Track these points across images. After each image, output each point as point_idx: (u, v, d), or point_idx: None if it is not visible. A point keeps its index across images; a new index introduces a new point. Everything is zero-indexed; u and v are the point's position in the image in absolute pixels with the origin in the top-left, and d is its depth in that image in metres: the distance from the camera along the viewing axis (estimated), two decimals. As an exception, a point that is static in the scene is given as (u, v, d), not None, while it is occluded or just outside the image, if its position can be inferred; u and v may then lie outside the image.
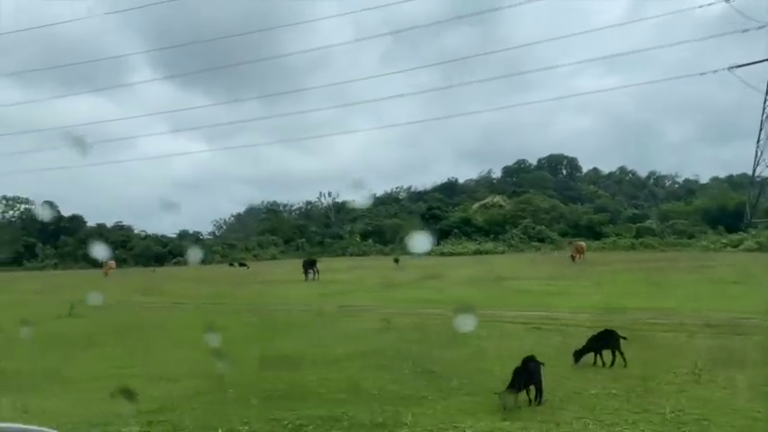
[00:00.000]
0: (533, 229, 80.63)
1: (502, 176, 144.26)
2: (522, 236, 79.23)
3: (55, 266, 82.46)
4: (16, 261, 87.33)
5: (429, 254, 76.62)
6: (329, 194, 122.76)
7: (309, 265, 30.87)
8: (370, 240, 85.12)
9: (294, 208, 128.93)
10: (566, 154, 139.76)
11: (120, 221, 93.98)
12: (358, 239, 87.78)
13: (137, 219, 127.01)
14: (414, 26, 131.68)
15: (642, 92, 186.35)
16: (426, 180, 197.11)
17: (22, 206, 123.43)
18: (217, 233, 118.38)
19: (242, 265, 47.69)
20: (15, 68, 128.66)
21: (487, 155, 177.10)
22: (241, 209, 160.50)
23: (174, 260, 79.20)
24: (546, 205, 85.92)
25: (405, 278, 28.45)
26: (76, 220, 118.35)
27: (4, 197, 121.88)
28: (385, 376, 9.00)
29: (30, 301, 24.07)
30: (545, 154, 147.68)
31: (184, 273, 49.01)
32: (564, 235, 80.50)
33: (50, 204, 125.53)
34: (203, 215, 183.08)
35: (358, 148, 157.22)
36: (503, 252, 68.04)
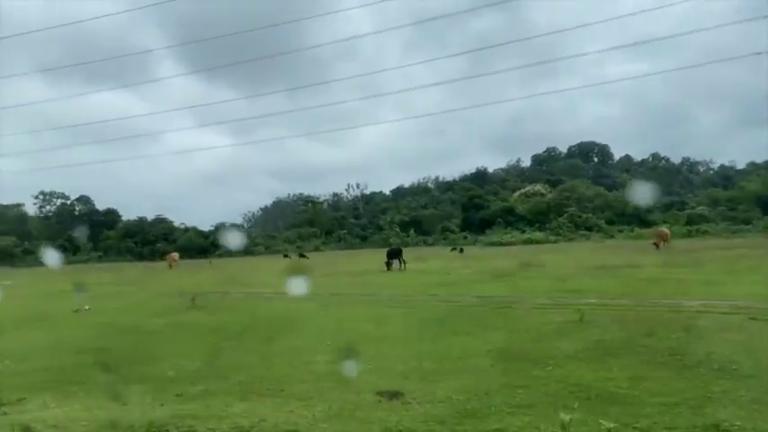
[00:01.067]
0: (579, 217, 78.26)
1: (531, 165, 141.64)
2: (568, 224, 76.96)
3: (99, 260, 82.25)
4: (61, 254, 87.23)
5: (474, 243, 74.91)
6: (357, 186, 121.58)
7: (394, 254, 29.28)
8: (412, 231, 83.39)
9: (321, 200, 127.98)
10: (597, 141, 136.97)
11: (161, 214, 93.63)
12: (398, 230, 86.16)
13: (164, 211, 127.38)
14: (438, 15, 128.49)
15: (672, 77, 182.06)
16: (451, 170, 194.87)
17: (59, 201, 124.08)
18: (246, 225, 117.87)
19: (302, 256, 46.32)
20: (45, 65, 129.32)
21: (514, 143, 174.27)
22: (266, 201, 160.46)
23: (218, 252, 78.48)
24: (590, 193, 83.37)
25: (501, 267, 26.71)
26: (112, 214, 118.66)
27: (41, 192, 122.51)
28: (685, 374, 7.33)
29: (127, 293, 22.85)
30: (573, 141, 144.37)
31: (244, 264, 47.78)
32: (611, 223, 78.12)
33: (86, 199, 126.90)
34: (229, 208, 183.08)
35: (382, 139, 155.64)
36: (555, 241, 65.83)
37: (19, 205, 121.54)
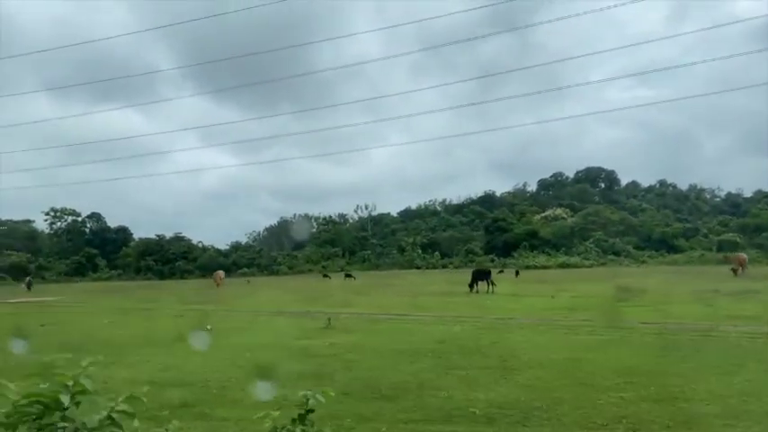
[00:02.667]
0: (606, 242, 76.64)
1: (538, 189, 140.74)
2: (595, 249, 75.30)
3: (119, 277, 79.39)
4: (78, 272, 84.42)
5: (504, 267, 72.89)
6: (366, 207, 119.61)
7: (482, 276, 27.16)
8: (437, 253, 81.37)
9: (326, 220, 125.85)
10: (603, 167, 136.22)
11: (180, 232, 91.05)
12: (420, 252, 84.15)
13: (169, 229, 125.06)
14: (447, 39, 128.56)
15: (678, 104, 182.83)
16: (456, 192, 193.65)
17: (70, 218, 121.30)
18: (252, 244, 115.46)
19: (348, 276, 44.11)
20: (55, 83, 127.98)
21: (518, 167, 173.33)
22: (269, 220, 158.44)
23: (240, 271, 75.96)
24: (615, 218, 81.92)
25: (602, 291, 24.74)
26: (123, 232, 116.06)
27: (52, 209, 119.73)
28: None
29: (218, 312, 20.60)
30: (577, 166, 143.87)
31: (290, 283, 45.35)
32: (638, 248, 76.51)
33: (97, 216, 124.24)
34: (232, 227, 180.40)
35: (386, 161, 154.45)
36: (590, 266, 63.94)
37: (29, 221, 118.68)
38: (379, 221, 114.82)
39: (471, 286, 26.47)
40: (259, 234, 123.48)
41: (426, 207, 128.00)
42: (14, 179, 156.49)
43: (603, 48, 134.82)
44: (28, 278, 47.47)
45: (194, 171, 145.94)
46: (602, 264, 67.37)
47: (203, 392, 7.81)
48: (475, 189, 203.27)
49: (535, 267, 62.16)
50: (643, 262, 68.48)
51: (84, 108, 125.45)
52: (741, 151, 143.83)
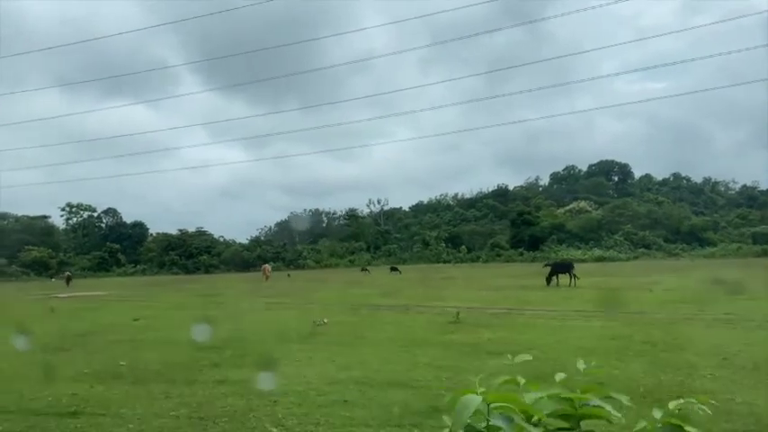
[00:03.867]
0: (635, 234, 75.33)
1: (550, 183, 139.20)
2: (624, 242, 74.01)
3: (144, 272, 78.49)
4: (101, 267, 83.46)
5: (534, 261, 71.58)
6: (378, 202, 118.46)
7: (562, 268, 25.96)
8: (463, 247, 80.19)
9: (336, 215, 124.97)
10: (617, 160, 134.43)
11: (201, 227, 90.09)
12: (444, 246, 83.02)
13: (178, 225, 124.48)
14: (455, 34, 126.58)
15: (689, 97, 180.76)
16: (466, 187, 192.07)
17: (86, 213, 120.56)
18: (262, 239, 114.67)
19: (394, 269, 42.96)
20: (66, 79, 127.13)
21: (528, 161, 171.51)
22: (276, 215, 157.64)
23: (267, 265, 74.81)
24: (643, 210, 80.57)
25: (688, 285, 23.55)
26: (139, 227, 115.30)
27: (68, 204, 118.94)
28: None
29: (296, 306, 19.49)
30: (588, 160, 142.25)
31: (328, 277, 44.29)
32: (668, 241, 75.24)
33: (113, 211, 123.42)
34: (241, 221, 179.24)
35: (394, 155, 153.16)
36: (627, 259, 62.63)
37: (45, 217, 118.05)
38: (391, 216, 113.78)
39: (549, 280, 25.25)
40: (270, 229, 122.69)
41: (439, 201, 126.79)
42: (26, 175, 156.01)
43: (614, 40, 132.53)
44: (67, 273, 46.51)
45: (203, 167, 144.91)
46: (636, 257, 66.08)
47: (425, 395, 6.68)
48: (484, 183, 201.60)
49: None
50: (676, 255, 67.18)
51: (93, 104, 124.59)
52: (755, 144, 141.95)
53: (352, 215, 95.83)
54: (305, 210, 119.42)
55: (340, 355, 9.64)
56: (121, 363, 9.39)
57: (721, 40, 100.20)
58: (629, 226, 76.00)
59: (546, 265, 27.70)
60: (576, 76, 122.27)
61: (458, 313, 13.79)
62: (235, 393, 7.10)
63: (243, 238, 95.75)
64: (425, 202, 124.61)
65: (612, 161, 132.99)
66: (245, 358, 9.45)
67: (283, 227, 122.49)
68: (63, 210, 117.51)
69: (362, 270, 47.31)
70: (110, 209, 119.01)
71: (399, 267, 45.77)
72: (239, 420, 5.99)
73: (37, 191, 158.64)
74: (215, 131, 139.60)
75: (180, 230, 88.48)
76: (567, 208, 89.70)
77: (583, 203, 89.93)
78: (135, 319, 16.22)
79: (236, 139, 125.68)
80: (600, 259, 62.00)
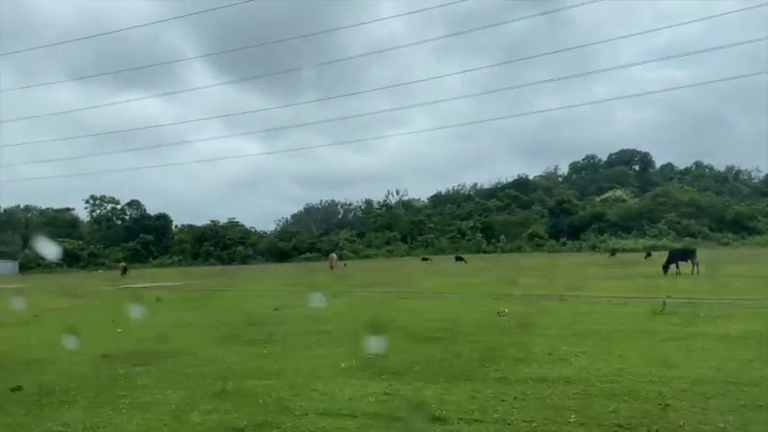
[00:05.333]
0: (678, 223, 73.51)
1: (569, 172, 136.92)
2: (668, 231, 72.23)
3: (179, 263, 77.57)
4: (136, 258, 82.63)
5: (579, 251, 69.94)
6: (397, 192, 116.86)
7: (684, 255, 24.43)
8: (503, 237, 78.66)
9: (352, 206, 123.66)
10: (638, 149, 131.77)
11: (234, 218, 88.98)
12: (480, 236, 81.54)
13: (194, 217, 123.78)
14: (472, 22, 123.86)
15: (709, 84, 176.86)
16: (482, 177, 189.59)
17: (109, 205, 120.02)
18: (279, 229, 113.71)
19: (459, 259, 41.54)
20: (79, 71, 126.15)
21: (544, 151, 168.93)
22: (291, 207, 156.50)
23: (304, 256, 73.77)
24: (685, 198, 78.62)
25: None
26: (163, 219, 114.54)
27: (92, 196, 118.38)
28: None
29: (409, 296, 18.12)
30: (605, 149, 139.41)
31: (387, 266, 42.95)
32: (713, 230, 73.40)
33: (137, 203, 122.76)
34: (256, 213, 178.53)
35: (408, 146, 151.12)
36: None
37: (69, 209, 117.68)
38: (409, 206, 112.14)
39: (666, 268, 23.72)
40: (287, 220, 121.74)
41: (457, 192, 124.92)
42: (41, 169, 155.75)
43: (633, 26, 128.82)
44: (123, 264, 45.45)
45: (218, 159, 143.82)
46: (679, 246, 64.16)
47: None
48: (500, 173, 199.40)
49: (623, 250, 59.17)
50: (726, 244, 65.38)
51: (108, 96, 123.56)
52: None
53: (385, 205, 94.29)
54: (321, 201, 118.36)
55: (632, 349, 8.25)
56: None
57: (744, 26, 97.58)
58: (672, 214, 74.13)
59: (668, 253, 25.65)
60: (595, 63, 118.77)
61: (664, 303, 12.37)
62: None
63: (277, 228, 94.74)
64: (443, 192, 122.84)
65: (633, 150, 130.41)
66: (533, 354, 8.08)
67: (300, 218, 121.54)
68: (87, 202, 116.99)
69: (423, 260, 45.94)
70: (133, 201, 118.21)
71: (434, 258, 44.27)
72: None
73: (52, 184, 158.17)
74: (230, 123, 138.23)
75: (212, 221, 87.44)
76: (603, 197, 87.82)
77: (619, 192, 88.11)
78: (276, 309, 14.92)
79: (252, 131, 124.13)
80: (652, 248, 60.18)
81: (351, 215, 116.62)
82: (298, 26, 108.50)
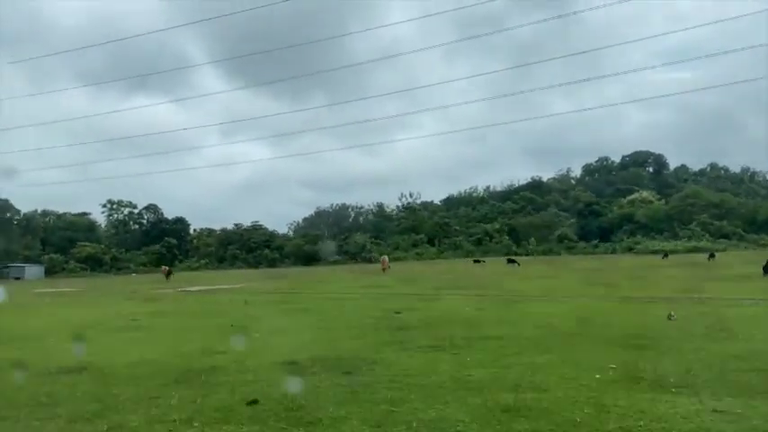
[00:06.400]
0: (711, 224, 72.31)
1: (582, 174, 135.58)
2: (701, 232, 71.04)
3: (206, 266, 76.88)
4: (161, 262, 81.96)
5: (613, 252, 68.86)
6: (410, 195, 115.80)
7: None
8: (532, 239, 77.62)
9: (363, 210, 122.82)
10: (651, 150, 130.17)
11: (257, 221, 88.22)
12: (507, 238, 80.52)
13: (207, 221, 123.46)
14: (482, 25, 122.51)
15: (721, 83, 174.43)
16: (489, 180, 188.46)
17: (127, 209, 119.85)
18: (291, 233, 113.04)
19: (511, 261, 40.60)
20: (89, 76, 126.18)
21: (554, 153, 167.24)
22: (301, 210, 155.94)
23: (332, 259, 73.01)
24: (716, 200, 77.42)
25: None
26: (180, 222, 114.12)
27: (109, 201, 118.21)
28: None
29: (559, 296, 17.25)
30: (617, 151, 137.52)
31: (439, 268, 42.06)
32: (747, 231, 72.20)
33: (154, 207, 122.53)
34: (266, 217, 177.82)
35: (417, 150, 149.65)
36: (724, 249, 59.67)
37: (86, 214, 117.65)
38: (426, 209, 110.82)
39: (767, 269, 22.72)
40: (298, 224, 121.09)
41: (470, 194, 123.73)
42: (57, 174, 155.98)
43: (645, 28, 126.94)
44: (167, 268, 44.76)
45: (230, 164, 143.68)
46: (723, 248, 63.06)
47: None
48: (510, 175, 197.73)
49: (663, 252, 58.04)
50: (765, 245, 64.16)
51: (118, 101, 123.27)
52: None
53: (408, 207, 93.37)
54: (332, 204, 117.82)
55: None
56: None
57: (757, 26, 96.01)
58: (704, 216, 72.93)
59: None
60: (607, 64, 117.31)
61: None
62: None
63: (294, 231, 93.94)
64: (455, 195, 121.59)
65: (647, 152, 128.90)
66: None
67: (311, 221, 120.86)
68: (104, 206, 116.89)
69: (475, 262, 45.03)
70: (151, 205, 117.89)
71: (486, 260, 43.32)
72: None
73: (64, 189, 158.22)
74: (240, 127, 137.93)
75: (235, 225, 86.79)
76: (630, 198, 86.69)
77: (645, 193, 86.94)
78: (397, 312, 14.08)
79: (263, 136, 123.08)
80: (693, 250, 59.17)
81: (362, 218, 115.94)
82: (308, 30, 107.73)
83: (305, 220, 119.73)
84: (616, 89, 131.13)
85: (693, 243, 63.39)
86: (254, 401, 6.32)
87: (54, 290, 33.95)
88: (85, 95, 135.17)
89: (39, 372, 8.54)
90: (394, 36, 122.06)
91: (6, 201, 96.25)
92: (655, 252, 58.88)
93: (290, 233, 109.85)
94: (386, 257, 39.40)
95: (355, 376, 7.46)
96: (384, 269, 35.83)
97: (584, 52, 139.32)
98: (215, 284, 32.23)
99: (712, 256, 37.96)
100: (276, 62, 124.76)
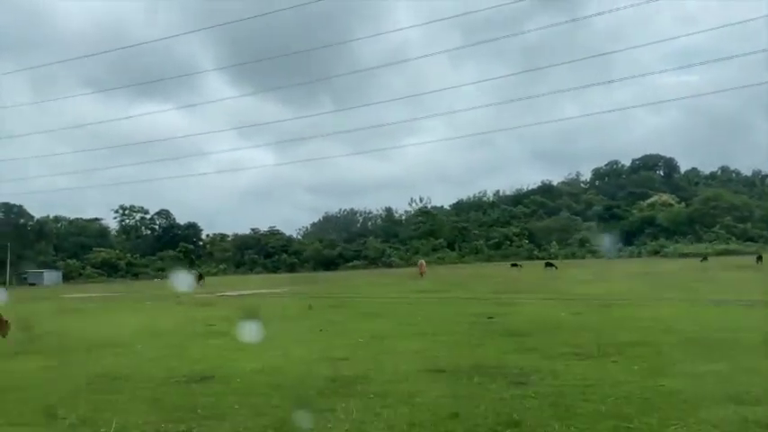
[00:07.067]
0: (735, 227, 71.35)
1: (592, 178, 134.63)
2: (727, 235, 70.05)
3: (224, 272, 76.26)
4: (179, 267, 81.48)
5: (639, 255, 67.89)
6: (420, 200, 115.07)
7: None
8: (554, 243, 76.76)
9: (372, 215, 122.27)
10: (661, 154, 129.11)
11: (274, 226, 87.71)
12: (526, 242, 79.70)
13: (215, 226, 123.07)
14: (489, 28, 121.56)
15: (729, 85, 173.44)
16: (497, 184, 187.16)
17: (138, 215, 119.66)
18: (302, 238, 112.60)
19: (549, 265, 39.81)
20: (95, 82, 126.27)
21: (562, 156, 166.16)
22: (310, 216, 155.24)
23: (351, 264, 72.32)
24: (738, 202, 76.46)
25: None
26: (192, 228, 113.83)
27: (121, 206, 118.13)
28: None
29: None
30: (625, 154, 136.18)
31: (477, 272, 41.25)
32: (771, 234, 71.10)
33: (166, 213, 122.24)
34: (274, 222, 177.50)
35: (424, 155, 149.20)
36: (756, 252, 58.54)
37: (98, 220, 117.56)
38: (421, 214, 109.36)
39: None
40: (307, 229, 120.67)
41: (479, 199, 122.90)
42: (60, 180, 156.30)
43: (654, 31, 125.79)
44: (198, 272, 44.16)
45: (237, 169, 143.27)
46: (752, 251, 62.02)
47: None
48: (518, 179, 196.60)
49: (694, 255, 57.06)
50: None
51: (125, 107, 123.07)
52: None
53: (424, 211, 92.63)
54: (340, 209, 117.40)
55: None
56: None
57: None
58: (727, 218, 71.98)
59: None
60: (616, 67, 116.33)
61: None
62: None
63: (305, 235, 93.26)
64: (464, 199, 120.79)
65: (657, 155, 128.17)
66: None
67: (319, 226, 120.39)
68: (116, 212, 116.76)
69: (513, 265, 44.29)
70: (162, 210, 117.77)
71: (555, 263, 42.49)
72: None
73: (72, 195, 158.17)
74: (247, 133, 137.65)
75: (252, 230, 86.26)
76: (649, 201, 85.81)
77: (665, 197, 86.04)
78: (489, 317, 13.40)
79: (270, 142, 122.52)
80: (723, 253, 58.15)
81: (370, 223, 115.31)
82: (314, 36, 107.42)
83: (313, 225, 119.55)
84: (624, 92, 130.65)
85: (723, 246, 62.35)
86: (455, 414, 5.65)
87: (86, 295, 33.33)
88: (94, 102, 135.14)
89: (162, 380, 7.88)
90: (401, 41, 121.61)
91: (21, 207, 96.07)
92: (685, 255, 57.96)
93: (299, 238, 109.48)
94: (423, 262, 38.65)
95: (530, 386, 6.77)
96: (422, 273, 35.12)
97: (591, 57, 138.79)
98: (250, 289, 31.57)
99: (760, 258, 37.06)
100: (284, 68, 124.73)
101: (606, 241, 69.48)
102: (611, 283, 23.56)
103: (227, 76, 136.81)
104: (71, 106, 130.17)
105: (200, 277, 39.69)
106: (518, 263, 47.09)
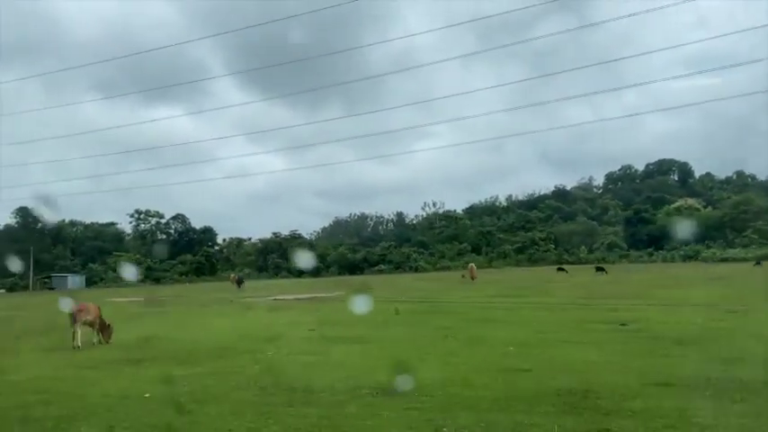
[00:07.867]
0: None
1: (605, 183, 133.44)
2: (759, 240, 68.90)
3: (248, 276, 75.62)
4: (200, 271, 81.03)
5: (672, 260, 66.81)
6: (434, 204, 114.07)
7: None
8: (583, 247, 75.77)
9: (383, 219, 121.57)
10: (676, 159, 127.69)
11: (296, 230, 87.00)
12: (552, 247, 78.74)
13: (224, 231, 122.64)
14: (500, 32, 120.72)
15: (746, 89, 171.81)
16: (508, 189, 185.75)
17: (154, 219, 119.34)
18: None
19: (600, 269, 38.83)
20: (105, 85, 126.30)
21: (573, 160, 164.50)
22: (317, 220, 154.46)
23: (376, 268, 71.52)
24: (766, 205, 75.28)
25: None
26: (208, 232, 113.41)
27: (137, 211, 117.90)
28: None
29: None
30: (638, 159, 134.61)
31: (516, 277, 40.41)
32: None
33: (182, 217, 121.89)
34: (284, 226, 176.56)
35: (434, 159, 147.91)
36: None
37: (114, 224, 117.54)
38: (444, 218, 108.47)
39: None
40: (318, 233, 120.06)
41: (492, 203, 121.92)
42: (70, 185, 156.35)
43: (667, 35, 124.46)
44: (239, 276, 43.47)
45: (247, 175, 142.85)
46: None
47: None
48: (530, 184, 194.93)
49: (733, 260, 56.10)
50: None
51: (134, 112, 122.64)
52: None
53: (448, 216, 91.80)
54: (350, 214, 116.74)
55: None
56: None
57: None
58: (760, 222, 70.88)
59: None
60: (627, 71, 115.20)
61: None
62: None
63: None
64: (476, 204, 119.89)
65: (672, 160, 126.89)
66: None
67: (330, 231, 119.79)
68: (132, 216, 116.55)
69: (559, 270, 43.45)
70: (178, 215, 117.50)
71: (605, 267, 41.46)
72: None
73: (86, 199, 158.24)
74: (257, 138, 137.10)
75: (273, 234, 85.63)
76: (675, 205, 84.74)
77: (691, 201, 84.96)
78: (622, 324, 12.63)
79: (280, 147, 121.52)
80: (766, 258, 57.04)
81: (381, 227, 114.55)
82: (325, 41, 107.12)
83: (324, 229, 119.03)
84: (636, 97, 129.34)
85: (764, 251, 61.20)
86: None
87: (128, 299, 32.65)
88: (107, 107, 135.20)
89: (350, 393, 7.13)
90: (411, 45, 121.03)
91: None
92: (725, 260, 57.00)
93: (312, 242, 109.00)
94: (473, 265, 37.74)
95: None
96: (473, 278, 34.26)
97: (604, 63, 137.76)
98: (293, 294, 30.82)
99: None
100: (294, 73, 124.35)
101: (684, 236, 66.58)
102: (697, 289, 22.71)
103: (237, 81, 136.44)
104: (83, 111, 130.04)
105: (239, 281, 39.00)
106: (563, 267, 46.19)
